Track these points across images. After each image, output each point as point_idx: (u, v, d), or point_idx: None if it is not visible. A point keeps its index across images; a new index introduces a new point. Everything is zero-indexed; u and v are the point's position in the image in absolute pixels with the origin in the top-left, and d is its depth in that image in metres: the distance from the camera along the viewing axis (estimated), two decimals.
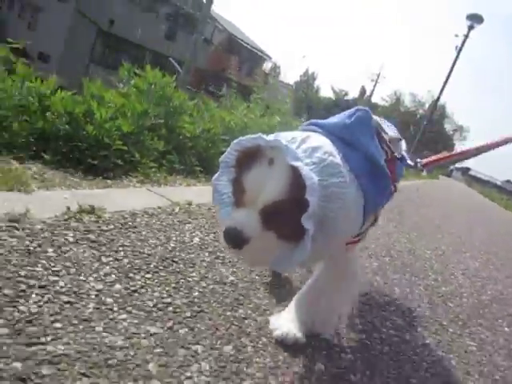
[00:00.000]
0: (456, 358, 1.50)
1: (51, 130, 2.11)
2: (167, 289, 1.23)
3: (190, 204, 2.07)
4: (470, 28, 18.21)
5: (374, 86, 45.51)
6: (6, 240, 1.16)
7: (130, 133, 2.42)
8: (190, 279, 1.33)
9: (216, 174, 1.01)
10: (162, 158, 2.69)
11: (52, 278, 1.08)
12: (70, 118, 2.19)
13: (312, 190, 0.86)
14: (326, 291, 1.20)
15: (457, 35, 19.18)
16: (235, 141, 0.97)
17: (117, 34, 23.78)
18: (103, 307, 1.04)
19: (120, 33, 23.80)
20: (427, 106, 51.25)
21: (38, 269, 1.09)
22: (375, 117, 1.26)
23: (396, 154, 1.23)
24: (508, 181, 63.29)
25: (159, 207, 1.86)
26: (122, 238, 1.43)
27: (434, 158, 1.44)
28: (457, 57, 18.90)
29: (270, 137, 0.94)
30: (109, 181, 2.09)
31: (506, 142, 1.43)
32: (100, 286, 1.12)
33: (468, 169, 55.84)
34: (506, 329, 1.99)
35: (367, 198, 1.02)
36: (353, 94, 49.93)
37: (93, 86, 2.53)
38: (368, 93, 47.71)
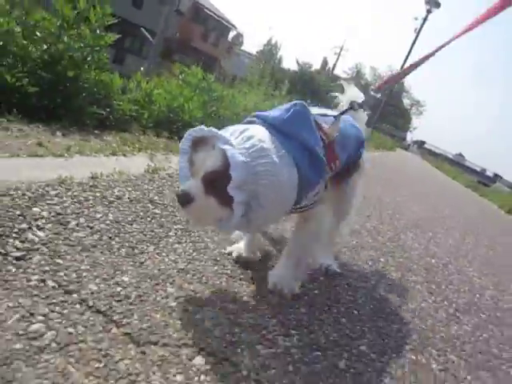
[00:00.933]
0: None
1: (159, 117, 3.45)
2: None
3: None
4: (428, 12, 20.06)
5: (337, 59, 47.30)
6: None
7: (200, 117, 3.79)
8: None
9: (179, 157, 1.30)
10: None
11: None
12: (169, 109, 3.54)
13: (234, 167, 1.10)
14: (299, 244, 1.48)
15: (416, 18, 20.95)
16: (188, 132, 1.26)
17: None
18: None
19: None
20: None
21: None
22: (316, 109, 1.51)
23: (331, 138, 1.43)
24: (459, 154, 67.51)
25: None
26: None
27: (384, 80, 1.73)
28: (415, 39, 20.80)
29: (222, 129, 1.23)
30: None
31: (436, 50, 1.65)
32: None
33: (423, 142, 59.30)
34: (430, 234, 3.59)
35: (304, 178, 1.25)
36: (316, 66, 51.33)
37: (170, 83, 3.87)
38: (331, 65, 49.32)
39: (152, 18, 23.06)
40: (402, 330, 1.56)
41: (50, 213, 1.33)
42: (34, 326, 0.89)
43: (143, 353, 0.94)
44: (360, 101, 1.62)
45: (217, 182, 1.14)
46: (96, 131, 2.65)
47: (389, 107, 36.89)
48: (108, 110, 2.91)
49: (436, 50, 1.61)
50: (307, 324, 1.33)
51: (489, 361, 1.61)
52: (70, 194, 1.53)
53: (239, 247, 1.60)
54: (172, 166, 2.45)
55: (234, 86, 8.09)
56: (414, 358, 1.39)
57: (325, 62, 54.33)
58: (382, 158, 12.09)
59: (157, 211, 1.72)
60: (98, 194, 1.63)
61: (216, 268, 1.47)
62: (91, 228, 1.36)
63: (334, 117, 1.47)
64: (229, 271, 1.48)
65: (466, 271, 2.85)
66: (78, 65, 2.76)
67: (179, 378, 0.92)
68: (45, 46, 2.67)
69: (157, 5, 23.57)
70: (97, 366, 0.86)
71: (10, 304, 0.92)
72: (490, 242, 4.74)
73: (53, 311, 0.95)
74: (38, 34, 2.68)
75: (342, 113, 1.49)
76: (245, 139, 1.17)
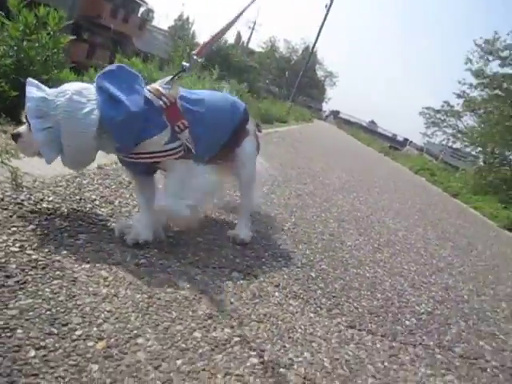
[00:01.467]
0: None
1: None
2: None
3: None
4: None
5: (251, 33, 48.03)
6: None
7: None
8: None
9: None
10: None
11: None
12: None
13: (28, 99, 1.37)
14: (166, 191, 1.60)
15: (326, 5, 22.09)
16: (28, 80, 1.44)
17: None
18: None
19: None
20: (300, 51, 55.43)
21: None
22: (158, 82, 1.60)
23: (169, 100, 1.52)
24: (372, 121, 71.92)
25: None
26: None
27: (203, 44, 1.72)
28: (326, 15, 21.88)
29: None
30: None
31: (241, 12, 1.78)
32: None
33: (338, 112, 62.39)
34: (354, 194, 4.39)
35: (111, 123, 1.42)
36: (230, 40, 51.50)
37: None
38: (246, 40, 49.75)
39: None
40: (345, 256, 2.26)
41: (96, 196, 1.83)
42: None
43: None
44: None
45: None
46: None
47: (304, 79, 38.20)
48: None
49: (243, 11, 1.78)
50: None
51: (401, 271, 2.38)
52: (98, 181, 2.01)
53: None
54: None
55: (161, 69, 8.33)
56: (355, 271, 2.10)
57: (239, 37, 54.57)
58: (303, 130, 13.03)
59: None
60: (118, 179, 2.13)
61: None
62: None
63: (167, 81, 1.58)
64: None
65: (383, 220, 3.67)
66: (46, 67, 3.11)
67: None
68: (11, 52, 2.99)
69: None
70: None
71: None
72: (401, 197, 5.73)
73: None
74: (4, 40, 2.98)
75: (174, 76, 1.57)
76: (59, 88, 1.42)
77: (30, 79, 1.43)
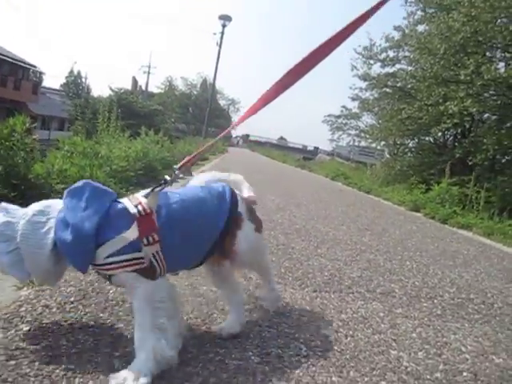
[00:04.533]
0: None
1: None
2: None
3: None
4: (224, 26, 23.09)
5: (148, 76, 48.90)
6: None
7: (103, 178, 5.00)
8: None
9: None
10: None
11: None
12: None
13: None
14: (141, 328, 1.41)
15: (215, 33, 23.85)
16: None
17: None
18: None
19: None
20: (199, 86, 57.35)
21: None
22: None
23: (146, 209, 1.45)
24: (281, 138, 75.39)
25: None
26: None
27: (186, 159, 1.64)
28: (219, 50, 23.68)
29: None
30: None
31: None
32: None
33: (248, 135, 64.91)
34: (288, 211, 5.47)
35: (62, 246, 1.39)
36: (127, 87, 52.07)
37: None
38: (144, 84, 50.59)
39: None
40: (297, 255, 3.27)
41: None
42: None
43: None
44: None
45: None
46: None
47: (210, 110, 39.72)
48: None
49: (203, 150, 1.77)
50: None
51: (337, 257, 3.44)
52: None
53: None
54: None
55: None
56: (308, 263, 3.11)
57: (135, 81, 55.42)
58: (223, 161, 14.15)
59: None
60: None
61: None
62: None
63: (146, 194, 1.51)
64: None
65: (316, 226, 4.76)
66: None
67: None
68: None
69: None
70: None
71: None
72: (325, 205, 6.96)
73: None
74: None
75: (155, 188, 1.51)
76: (26, 209, 1.46)
77: (2, 204, 1.50)
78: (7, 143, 3.75)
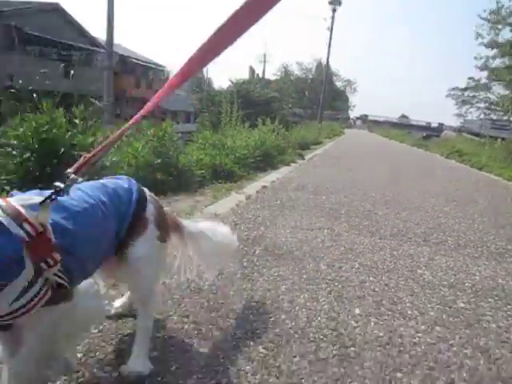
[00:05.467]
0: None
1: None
2: None
3: None
4: (334, 11, 23.69)
5: (264, 64, 50.86)
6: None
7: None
8: None
9: None
10: None
11: None
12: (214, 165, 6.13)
13: None
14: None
15: (325, 19, 24.53)
16: None
17: (18, 87, 25.73)
18: None
19: (20, 84, 25.81)
20: (314, 69, 58.02)
21: None
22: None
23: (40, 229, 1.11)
24: (403, 116, 72.58)
25: None
26: None
27: (83, 159, 1.29)
28: (330, 35, 24.28)
29: None
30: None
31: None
32: None
33: (366, 116, 63.92)
34: (398, 186, 6.34)
35: None
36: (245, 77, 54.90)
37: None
38: (260, 72, 52.92)
39: (83, 83, 25.49)
40: (375, 216, 4.24)
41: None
42: None
43: None
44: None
45: None
46: None
47: (325, 94, 40.30)
48: None
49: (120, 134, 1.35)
50: None
51: (419, 221, 4.33)
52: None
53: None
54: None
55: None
56: (406, 217, 4.08)
57: (252, 71, 58.12)
58: (338, 145, 15.06)
59: None
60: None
61: None
62: None
63: (40, 203, 1.16)
64: None
65: (405, 196, 5.59)
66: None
67: None
68: None
69: (86, 70, 26.04)
70: None
71: None
72: (426, 180, 7.62)
73: None
74: None
75: (46, 199, 1.17)
76: None
77: None
78: (163, 141, 5.29)
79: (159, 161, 4.78)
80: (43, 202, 1.17)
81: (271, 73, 70.08)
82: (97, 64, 29.44)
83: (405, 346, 1.85)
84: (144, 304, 1.58)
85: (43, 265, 1.13)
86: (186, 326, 1.84)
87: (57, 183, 1.22)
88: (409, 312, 2.19)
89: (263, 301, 2.15)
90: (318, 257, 2.89)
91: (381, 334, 1.93)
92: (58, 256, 1.16)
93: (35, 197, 1.20)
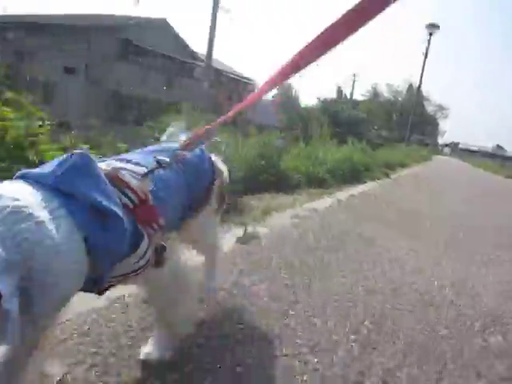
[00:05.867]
0: None
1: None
2: None
3: None
4: (430, 34, 23.66)
5: (353, 85, 51.05)
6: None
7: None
8: None
9: None
10: None
11: None
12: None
13: None
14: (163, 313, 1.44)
15: (422, 43, 24.62)
16: None
17: (123, 92, 28.34)
18: None
19: (126, 91, 28.40)
20: (404, 92, 57.10)
21: None
22: (109, 160, 1.28)
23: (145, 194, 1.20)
24: (498, 146, 68.56)
25: None
26: None
27: (189, 139, 1.47)
28: (425, 60, 24.24)
29: None
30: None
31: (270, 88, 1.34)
32: None
33: (457, 143, 61.46)
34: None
35: (95, 242, 0.98)
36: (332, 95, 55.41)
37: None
38: (348, 93, 53.16)
39: (182, 94, 27.53)
40: (421, 216, 4.63)
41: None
42: None
43: None
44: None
45: None
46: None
47: (414, 118, 39.65)
48: None
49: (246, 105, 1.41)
50: None
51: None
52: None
53: None
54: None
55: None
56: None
57: (339, 91, 58.52)
58: (425, 170, 15.07)
59: None
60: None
61: None
62: None
63: (143, 174, 1.26)
64: None
65: (462, 211, 5.85)
66: None
67: None
68: None
69: (186, 80, 28.16)
70: None
71: None
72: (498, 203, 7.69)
73: None
74: None
75: (150, 171, 1.28)
76: None
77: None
78: (267, 147, 6.05)
79: (263, 162, 5.53)
80: (146, 174, 1.27)
81: (359, 93, 69.90)
82: (197, 77, 31.51)
83: None
84: (211, 259, 1.92)
85: (150, 230, 1.19)
86: None
87: (161, 157, 1.38)
88: None
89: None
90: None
91: None
92: (162, 221, 1.24)
93: (137, 167, 1.29)
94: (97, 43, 25.28)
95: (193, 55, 31.34)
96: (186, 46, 31.19)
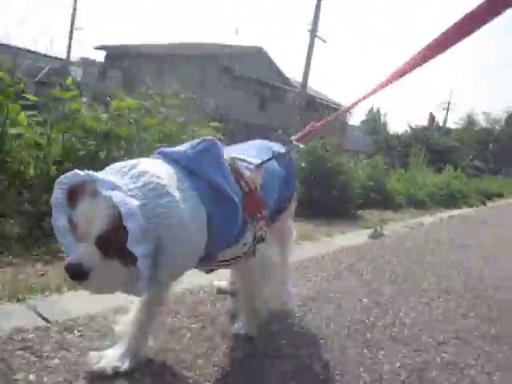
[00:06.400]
0: None
1: None
2: None
3: None
4: None
5: (446, 113, 50.12)
6: None
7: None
8: None
9: (53, 216, 1.10)
10: None
11: None
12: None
13: (128, 216, 0.95)
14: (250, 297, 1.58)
15: None
16: (59, 179, 1.06)
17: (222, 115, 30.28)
18: None
19: (224, 115, 30.33)
20: (503, 121, 54.69)
21: None
22: (231, 151, 1.42)
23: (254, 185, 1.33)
24: None
25: None
26: None
27: (303, 132, 1.58)
28: None
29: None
30: None
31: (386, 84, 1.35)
32: None
33: None
34: None
35: (213, 222, 1.12)
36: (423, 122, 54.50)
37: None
38: (441, 121, 52.13)
39: (274, 117, 29.07)
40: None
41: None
42: None
43: None
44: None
45: (116, 241, 1.00)
46: None
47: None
48: None
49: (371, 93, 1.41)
50: None
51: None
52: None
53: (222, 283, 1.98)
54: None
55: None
56: None
57: (431, 117, 57.37)
58: None
59: None
60: None
61: None
62: None
63: (257, 165, 1.38)
64: None
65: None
66: None
67: None
68: None
69: (278, 104, 29.71)
70: None
71: None
72: None
73: None
74: None
75: (264, 161, 1.39)
76: (135, 177, 1.03)
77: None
78: (375, 170, 6.91)
79: (371, 183, 6.46)
80: (261, 163, 1.39)
81: (453, 121, 68.01)
82: (288, 102, 32.96)
83: None
84: (289, 248, 2.03)
85: (254, 220, 1.31)
86: None
87: (277, 148, 1.52)
88: None
89: None
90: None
91: None
92: (264, 212, 1.35)
93: (250, 151, 1.48)
94: (198, 70, 27.33)
95: (287, 81, 32.91)
96: (280, 73, 32.83)
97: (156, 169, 1.08)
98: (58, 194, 1.07)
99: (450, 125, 55.63)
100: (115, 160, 1.21)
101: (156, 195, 1.01)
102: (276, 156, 1.51)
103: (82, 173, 1.01)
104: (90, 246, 1.00)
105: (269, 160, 1.43)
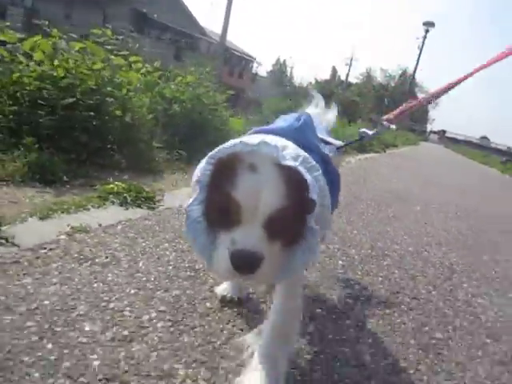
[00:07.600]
0: None
1: None
2: None
3: None
4: (426, 32, 26.88)
5: (349, 69, 53.99)
6: None
7: None
8: None
9: (190, 200, 0.99)
10: None
11: None
12: None
13: (313, 188, 0.92)
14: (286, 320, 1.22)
15: (418, 38, 27.68)
16: (209, 154, 0.97)
17: None
18: None
19: None
20: (397, 78, 60.04)
21: None
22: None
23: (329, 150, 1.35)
24: (484, 137, 71.68)
25: None
26: None
27: (396, 112, 1.59)
28: (420, 54, 27.38)
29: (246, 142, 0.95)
30: None
31: (453, 86, 1.56)
32: None
33: (444, 131, 64.97)
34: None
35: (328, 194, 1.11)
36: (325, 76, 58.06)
37: None
38: (343, 75, 55.97)
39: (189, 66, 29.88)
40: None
41: None
42: None
43: None
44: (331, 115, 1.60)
45: (285, 219, 0.92)
46: None
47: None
48: None
49: (449, 88, 1.54)
50: None
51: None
52: None
53: (224, 288, 1.62)
54: None
55: None
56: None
57: (334, 71, 61.37)
58: (412, 151, 18.42)
59: None
60: None
61: None
62: None
63: (338, 147, 1.38)
64: None
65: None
66: None
67: None
68: None
69: (193, 53, 30.54)
70: None
71: None
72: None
73: None
74: None
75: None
76: (294, 155, 0.99)
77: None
78: None
79: None
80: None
81: (353, 76, 72.63)
82: (204, 52, 33.56)
83: None
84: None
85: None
86: None
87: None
88: None
89: None
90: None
91: None
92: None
93: (333, 140, 1.47)
94: (112, 15, 26.88)
95: (202, 31, 33.51)
96: (195, 22, 33.22)
97: (292, 145, 1.06)
98: (205, 171, 0.98)
99: (351, 79, 59.86)
100: None
101: (310, 168, 1.01)
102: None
103: (240, 144, 0.95)
104: (256, 228, 0.91)
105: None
